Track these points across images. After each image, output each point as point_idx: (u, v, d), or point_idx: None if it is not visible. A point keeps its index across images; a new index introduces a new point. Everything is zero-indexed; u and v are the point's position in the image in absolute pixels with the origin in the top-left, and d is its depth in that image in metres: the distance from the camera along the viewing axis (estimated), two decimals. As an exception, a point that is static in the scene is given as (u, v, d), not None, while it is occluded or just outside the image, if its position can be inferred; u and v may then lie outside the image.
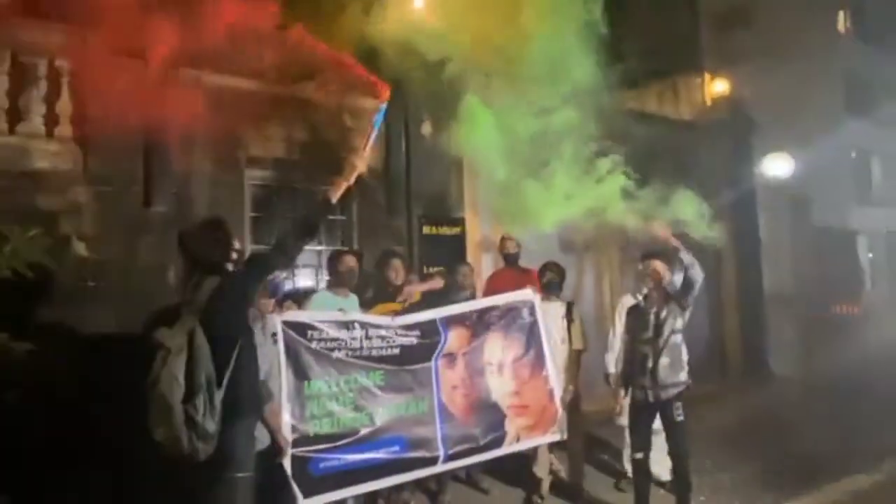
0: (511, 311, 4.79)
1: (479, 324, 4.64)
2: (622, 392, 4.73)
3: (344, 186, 3.26)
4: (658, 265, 4.53)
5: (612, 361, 5.17)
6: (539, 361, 4.80)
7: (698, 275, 4.33)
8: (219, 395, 2.86)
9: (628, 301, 5.18)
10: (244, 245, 5.82)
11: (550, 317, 4.97)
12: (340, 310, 4.27)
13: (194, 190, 5.70)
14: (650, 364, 4.40)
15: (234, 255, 3.11)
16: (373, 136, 3.46)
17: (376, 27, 5.90)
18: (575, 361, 5.00)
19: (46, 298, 4.82)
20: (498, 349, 4.70)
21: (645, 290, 4.65)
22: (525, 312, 4.82)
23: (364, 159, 3.33)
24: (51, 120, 5.24)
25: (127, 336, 4.83)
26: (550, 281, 5.17)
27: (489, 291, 5.60)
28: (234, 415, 2.94)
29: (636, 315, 4.63)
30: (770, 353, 10.56)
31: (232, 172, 5.92)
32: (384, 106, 3.49)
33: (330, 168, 6.38)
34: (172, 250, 5.27)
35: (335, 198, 3.19)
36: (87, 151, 5.23)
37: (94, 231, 5.18)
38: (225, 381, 2.88)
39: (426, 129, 7.05)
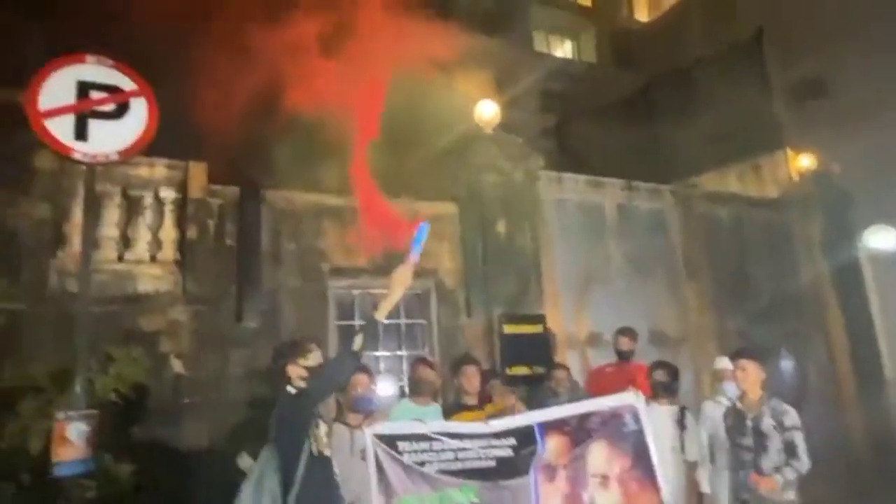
0: (615, 417, 4.46)
1: (579, 431, 4.31)
2: None
3: (391, 305, 3.23)
4: (750, 366, 4.21)
5: (705, 478, 4.64)
6: (648, 475, 4.38)
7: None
8: None
9: (710, 407, 4.79)
10: (328, 355, 5.92)
11: (660, 422, 4.51)
12: (426, 421, 4.19)
13: (281, 303, 5.93)
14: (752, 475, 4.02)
15: (299, 377, 3.16)
16: (415, 252, 3.27)
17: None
18: (690, 475, 4.56)
19: (146, 417, 5.03)
20: (602, 460, 4.31)
21: (738, 392, 4.33)
22: (628, 419, 4.45)
23: (406, 276, 3.21)
24: (154, 246, 5.68)
25: (219, 453, 4.94)
26: (660, 381, 4.80)
27: (594, 390, 5.34)
28: None
29: (733, 418, 4.28)
30: (904, 446, 9.36)
31: (316, 284, 6.13)
32: (425, 226, 3.29)
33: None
34: (262, 363, 5.51)
35: (382, 315, 3.20)
36: (186, 273, 5.59)
37: (191, 348, 5.43)
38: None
39: (501, 227, 7.11)
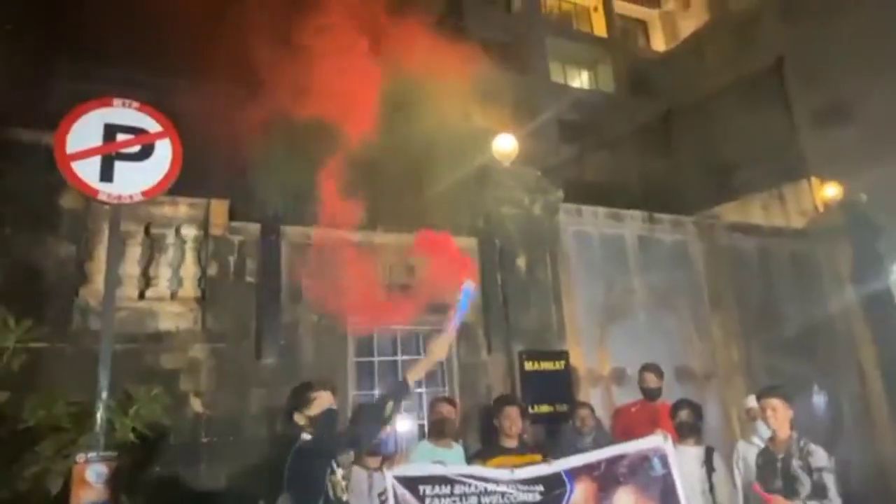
0: (642, 461, 4.30)
1: (607, 476, 4.18)
2: None
3: (424, 370, 3.22)
4: (778, 405, 4.06)
5: None
6: None
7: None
8: None
9: (744, 448, 4.64)
10: (346, 392, 5.86)
11: (686, 465, 4.37)
12: (447, 464, 4.09)
13: (301, 340, 5.90)
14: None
15: (306, 425, 3.10)
16: (457, 318, 3.25)
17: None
18: None
19: (165, 457, 4.99)
20: None
21: (768, 433, 4.18)
22: (656, 462, 4.30)
23: (445, 347, 3.23)
24: (175, 283, 5.70)
25: (238, 494, 4.88)
26: (684, 422, 4.65)
27: (619, 430, 5.21)
28: None
29: (764, 459, 4.13)
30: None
31: (335, 320, 6.09)
32: (469, 287, 3.27)
33: (428, 310, 6.52)
34: (281, 402, 5.46)
35: (413, 380, 3.17)
36: (207, 310, 5.59)
37: (210, 387, 5.40)
38: None
39: (520, 261, 7.05)
